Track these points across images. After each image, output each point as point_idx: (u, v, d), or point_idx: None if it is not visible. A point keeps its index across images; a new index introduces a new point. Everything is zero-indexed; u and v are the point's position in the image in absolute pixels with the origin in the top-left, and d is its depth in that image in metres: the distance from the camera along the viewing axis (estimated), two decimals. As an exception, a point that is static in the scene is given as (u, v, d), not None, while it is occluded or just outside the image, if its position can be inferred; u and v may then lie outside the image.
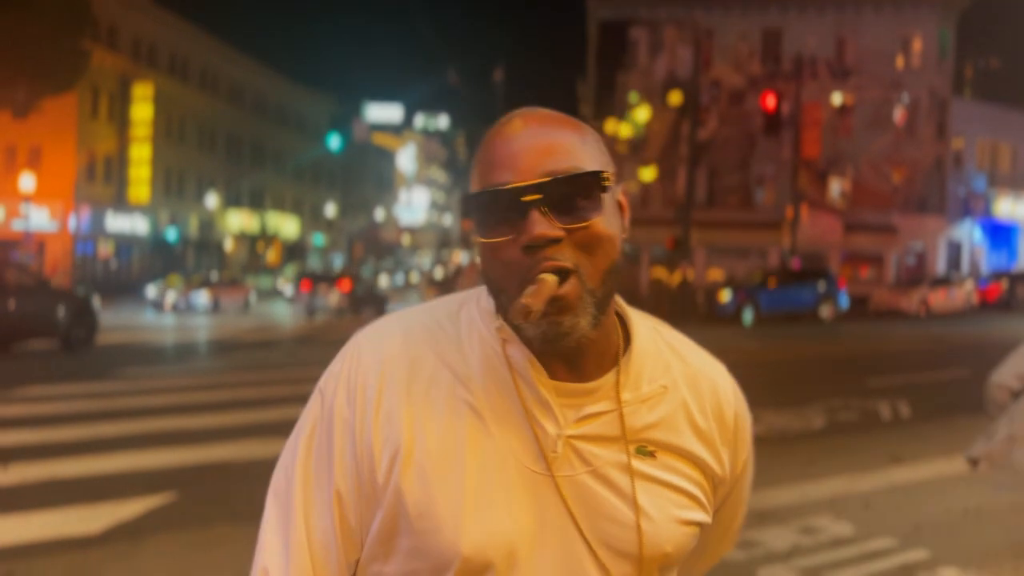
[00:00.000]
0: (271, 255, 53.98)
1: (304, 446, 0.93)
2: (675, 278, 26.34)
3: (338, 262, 64.41)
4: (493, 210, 0.86)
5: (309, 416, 0.94)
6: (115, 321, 21.62)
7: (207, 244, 46.39)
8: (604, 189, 0.87)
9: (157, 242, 40.50)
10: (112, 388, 10.14)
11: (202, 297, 29.19)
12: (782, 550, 4.37)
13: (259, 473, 6.02)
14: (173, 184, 42.88)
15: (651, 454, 0.91)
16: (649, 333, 0.97)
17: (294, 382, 10.78)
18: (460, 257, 70.38)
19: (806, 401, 8.87)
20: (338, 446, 0.90)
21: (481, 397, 0.89)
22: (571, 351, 0.88)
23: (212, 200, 45.26)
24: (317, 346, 16.88)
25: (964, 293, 27.77)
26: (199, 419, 7.99)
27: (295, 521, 0.91)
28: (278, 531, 0.92)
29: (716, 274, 32.74)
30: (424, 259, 77.41)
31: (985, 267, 36.51)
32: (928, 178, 34.59)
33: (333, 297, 25.91)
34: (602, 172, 0.87)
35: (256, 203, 52.23)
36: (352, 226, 71.62)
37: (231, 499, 5.50)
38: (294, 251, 58.30)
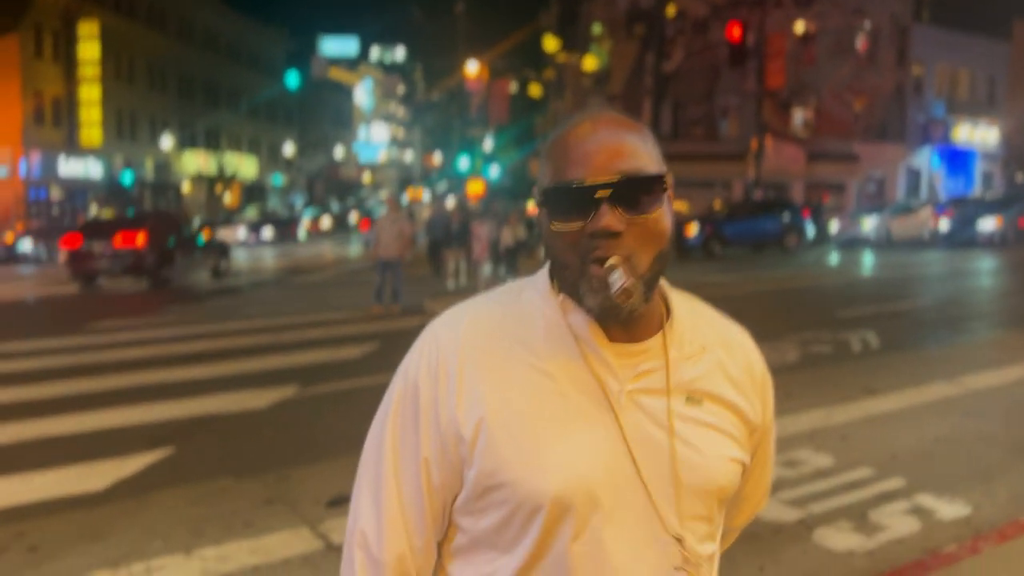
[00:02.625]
0: (229, 196, 52.95)
1: (391, 422, 1.06)
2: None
3: (298, 202, 63.37)
4: (568, 202, 0.97)
5: (393, 395, 1.07)
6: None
7: (164, 187, 45.32)
8: (664, 189, 0.99)
9: (112, 186, 39.46)
10: (86, 342, 10.06)
11: None
12: (769, 483, 4.57)
13: (254, 424, 6.12)
14: (125, 126, 41.59)
15: (699, 402, 1.04)
16: (685, 305, 1.10)
17: (279, 330, 10.78)
18: (423, 195, 69.49)
19: (780, 334, 9.12)
20: (424, 419, 1.03)
21: (550, 362, 1.02)
22: (626, 318, 1.00)
23: (167, 142, 44.05)
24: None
25: (922, 219, 28.34)
26: (186, 371, 7.99)
27: (387, 487, 1.04)
28: (370, 497, 1.06)
29: (680, 206, 32.93)
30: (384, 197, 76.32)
31: (943, 193, 37.20)
32: (888, 105, 34.89)
33: None
34: (664, 175, 0.99)
35: (212, 144, 50.96)
36: (311, 165, 70.29)
37: (229, 451, 5.58)
38: (253, 192, 57.21)
